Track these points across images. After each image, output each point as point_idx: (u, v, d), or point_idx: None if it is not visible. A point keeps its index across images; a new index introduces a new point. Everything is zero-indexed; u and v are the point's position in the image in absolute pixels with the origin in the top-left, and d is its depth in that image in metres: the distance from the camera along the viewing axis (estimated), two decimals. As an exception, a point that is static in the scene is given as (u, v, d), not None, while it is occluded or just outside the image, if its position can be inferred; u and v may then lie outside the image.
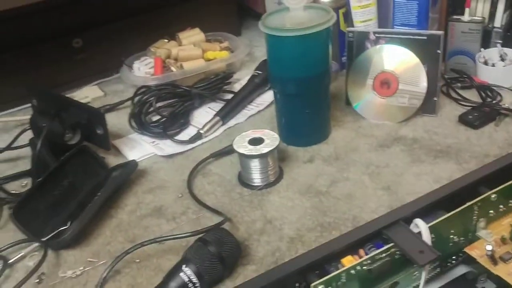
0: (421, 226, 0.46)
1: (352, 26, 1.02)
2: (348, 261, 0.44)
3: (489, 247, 0.46)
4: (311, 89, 0.84)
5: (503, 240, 0.47)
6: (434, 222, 0.46)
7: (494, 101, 0.93)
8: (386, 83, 0.90)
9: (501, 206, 0.49)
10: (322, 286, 0.44)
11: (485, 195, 0.47)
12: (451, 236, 0.47)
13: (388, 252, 0.44)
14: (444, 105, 0.94)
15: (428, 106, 0.91)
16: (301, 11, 0.82)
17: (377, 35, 0.90)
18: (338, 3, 1.03)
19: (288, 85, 0.84)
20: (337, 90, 1.00)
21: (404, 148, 0.84)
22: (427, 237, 0.45)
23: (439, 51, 0.87)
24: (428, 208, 0.50)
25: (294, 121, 0.88)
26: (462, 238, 0.48)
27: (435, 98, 0.90)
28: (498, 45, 1.01)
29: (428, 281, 0.48)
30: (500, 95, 0.95)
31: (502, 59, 1.00)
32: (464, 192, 0.49)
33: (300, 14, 0.82)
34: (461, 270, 0.49)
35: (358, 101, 0.93)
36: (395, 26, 0.91)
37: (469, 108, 0.91)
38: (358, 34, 0.92)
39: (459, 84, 1.00)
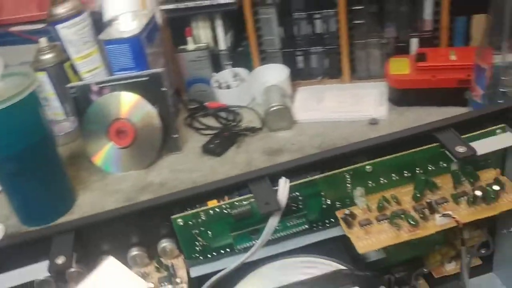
0: (280, 182, 0.47)
1: (80, 78, 0.96)
2: (212, 204, 0.48)
3: (347, 211, 0.48)
4: (33, 161, 0.75)
5: (369, 208, 0.49)
6: (297, 182, 0.48)
7: (234, 123, 0.95)
8: (122, 132, 0.86)
9: (382, 179, 0.49)
10: (181, 219, 0.47)
11: (358, 165, 0.48)
12: (323, 199, 0.49)
13: (248, 202, 0.47)
14: (190, 138, 0.94)
15: (171, 144, 0.89)
16: (-2, 81, 0.73)
17: (99, 85, 0.85)
18: (60, 57, 0.96)
19: (6, 164, 0.74)
20: (80, 148, 0.93)
21: (150, 195, 0.80)
22: (282, 193, 0.46)
23: (164, 89, 0.85)
24: (299, 169, 0.49)
25: (27, 200, 0.77)
26: (338, 203, 0.50)
27: (175, 135, 0.89)
28: (229, 66, 1.05)
29: (296, 235, 0.50)
30: (240, 115, 0.98)
31: (235, 79, 1.04)
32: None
33: (-4, 85, 0.73)
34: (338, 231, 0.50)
35: (99, 155, 0.87)
36: (115, 73, 0.87)
37: (211, 136, 0.92)
38: (80, 88, 0.86)
39: (202, 113, 1.00)
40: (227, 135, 0.90)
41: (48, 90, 0.97)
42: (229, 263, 0.47)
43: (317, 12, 0.97)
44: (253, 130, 0.91)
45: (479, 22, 0.92)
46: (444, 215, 0.45)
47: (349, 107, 0.95)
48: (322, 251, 0.48)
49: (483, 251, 0.53)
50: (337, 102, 0.97)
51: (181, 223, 0.47)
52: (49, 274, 0.44)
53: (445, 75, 0.87)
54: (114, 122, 0.86)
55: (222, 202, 0.48)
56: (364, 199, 0.48)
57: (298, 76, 1.04)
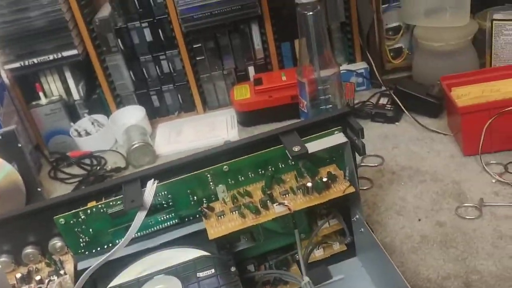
0: (148, 183, 0.54)
1: None
2: (91, 204, 0.55)
3: (205, 205, 0.56)
4: None
5: (225, 202, 0.57)
6: (164, 182, 0.55)
7: (99, 167, 0.99)
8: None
9: (240, 177, 0.57)
10: (62, 219, 0.54)
11: (216, 165, 0.56)
12: (190, 196, 0.57)
13: (121, 201, 0.54)
14: (56, 189, 0.95)
15: (36, 198, 0.89)
16: None
17: None
18: None
19: None
20: None
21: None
22: (148, 192, 0.53)
23: (19, 145, 0.86)
24: (169, 172, 0.57)
25: None
26: (205, 199, 0.57)
27: (39, 189, 0.89)
28: (86, 114, 1.08)
29: (170, 229, 0.58)
30: (104, 159, 1.01)
31: (95, 126, 1.07)
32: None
33: None
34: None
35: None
36: (-36, 137, 0.86)
37: (77, 183, 0.94)
38: None
39: (65, 163, 1.02)
40: (93, 179, 0.93)
41: None
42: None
43: (161, 54, 1.06)
44: (118, 170, 0.95)
45: (301, 44, 1.07)
46: (279, 204, 0.55)
47: (206, 134, 1.03)
48: (193, 242, 0.56)
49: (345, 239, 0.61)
50: (194, 132, 1.05)
51: (63, 222, 0.54)
52: None
53: (279, 94, 1.00)
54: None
55: (99, 203, 0.54)
56: (225, 195, 0.57)
57: (156, 114, 1.11)
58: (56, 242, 0.56)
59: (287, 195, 0.56)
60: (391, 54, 1.05)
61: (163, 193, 0.56)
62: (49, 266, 0.55)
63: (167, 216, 0.57)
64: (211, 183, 0.57)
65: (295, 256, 0.61)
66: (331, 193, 0.56)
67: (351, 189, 0.56)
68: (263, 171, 0.58)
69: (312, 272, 0.59)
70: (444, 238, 0.66)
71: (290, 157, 0.56)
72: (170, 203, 0.56)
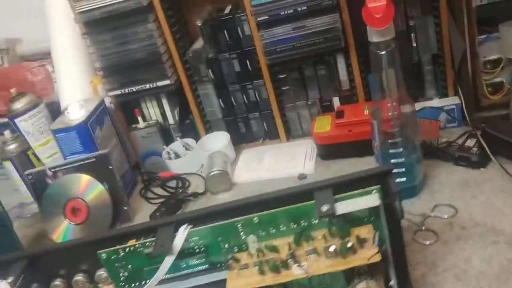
0: (180, 228, 0.57)
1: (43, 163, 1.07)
2: (130, 243, 0.59)
3: (230, 256, 0.58)
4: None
5: (251, 255, 0.58)
6: (196, 228, 0.58)
7: (181, 190, 1.05)
8: (76, 210, 0.96)
9: (272, 229, 0.58)
10: (104, 254, 0.59)
11: (247, 216, 0.57)
12: (221, 243, 0.59)
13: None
14: (142, 208, 1.03)
15: (122, 216, 0.99)
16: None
17: (52, 170, 0.96)
18: (22, 146, 1.08)
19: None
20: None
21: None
22: (179, 237, 0.56)
23: (110, 167, 0.96)
24: (203, 218, 0.59)
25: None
26: (235, 247, 0.59)
27: (125, 207, 0.98)
28: (178, 138, 1.16)
29: (200, 273, 0.60)
30: (189, 181, 1.08)
31: (186, 149, 1.15)
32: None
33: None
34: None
35: (57, 233, 0.97)
36: (66, 157, 0.98)
37: (159, 204, 1.01)
38: (36, 174, 0.97)
39: (155, 183, 1.10)
40: (173, 202, 1.00)
41: (15, 177, 1.09)
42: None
43: (248, 83, 1.09)
44: (195, 195, 1.01)
45: (390, 76, 1.02)
46: (299, 266, 0.54)
47: (284, 164, 1.04)
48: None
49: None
50: (274, 161, 1.07)
51: (105, 257, 0.60)
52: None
53: (359, 128, 0.96)
54: (69, 202, 0.96)
55: (137, 242, 0.59)
56: (255, 246, 0.58)
57: (242, 140, 1.15)
58: (102, 273, 0.62)
59: (311, 256, 0.55)
60: (489, 89, 0.95)
61: (195, 238, 0.59)
62: (95, 294, 0.61)
63: (198, 261, 0.59)
64: (241, 233, 0.58)
65: None
66: (356, 259, 0.54)
67: (377, 258, 0.53)
68: (295, 225, 0.57)
69: None
70: (504, 316, 0.59)
71: (317, 216, 0.55)
72: (202, 249, 0.59)
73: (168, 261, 0.56)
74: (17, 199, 1.13)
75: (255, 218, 0.57)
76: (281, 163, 1.05)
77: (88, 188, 0.96)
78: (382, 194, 0.55)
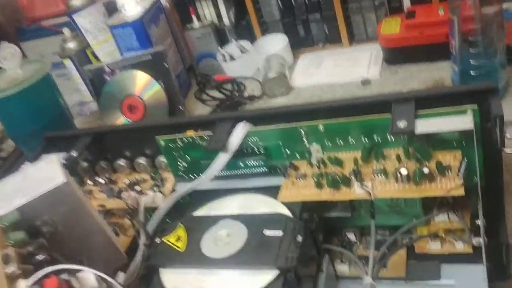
0: (238, 126, 0.54)
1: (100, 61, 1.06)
2: (189, 133, 0.57)
3: (287, 163, 0.54)
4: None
5: (311, 165, 0.53)
6: (257, 128, 0.54)
7: (237, 93, 1.02)
8: (134, 107, 0.95)
9: (339, 140, 0.52)
10: (162, 141, 0.58)
11: (311, 122, 0.52)
12: (282, 148, 0.55)
13: None
14: (197, 109, 1.02)
15: (178, 116, 0.97)
16: (18, 69, 0.84)
17: (110, 67, 0.95)
18: (82, 44, 1.06)
19: (31, 140, 0.85)
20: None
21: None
22: (236, 135, 0.53)
23: (166, 65, 0.93)
24: (264, 118, 0.55)
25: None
26: (297, 154, 0.55)
27: (181, 108, 0.97)
28: (233, 40, 1.11)
29: (257, 175, 0.57)
30: (244, 85, 1.04)
31: (242, 52, 1.10)
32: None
33: (16, 72, 0.84)
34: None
35: (115, 131, 0.97)
36: (123, 53, 0.96)
37: (214, 106, 0.99)
38: (95, 70, 0.96)
39: (210, 85, 1.08)
40: (228, 104, 0.98)
41: (74, 75, 1.09)
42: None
43: (310, -20, 1.01)
44: (252, 98, 0.98)
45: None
46: (362, 186, 0.48)
47: (345, 70, 0.98)
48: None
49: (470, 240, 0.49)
50: (334, 66, 1.01)
51: (163, 144, 0.58)
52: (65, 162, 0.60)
53: (432, 30, 0.88)
54: (126, 99, 0.95)
55: (195, 134, 0.57)
56: (318, 156, 0.53)
57: (301, 44, 1.09)
58: (163, 160, 0.61)
59: (377, 176, 0.49)
60: None
61: (254, 138, 0.55)
62: (153, 179, 0.61)
63: (257, 162, 0.56)
64: (305, 140, 0.53)
65: (406, 240, 0.54)
66: (431, 188, 0.46)
67: (459, 191, 0.45)
68: (366, 139, 0.51)
69: (417, 265, 0.52)
70: None
71: (391, 133, 0.48)
72: (262, 151, 0.56)
73: (223, 158, 0.54)
74: (78, 98, 1.14)
75: (320, 126, 0.52)
76: (342, 68, 0.99)
77: (146, 87, 0.94)
78: (479, 117, 0.46)
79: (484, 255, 0.46)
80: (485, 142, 0.47)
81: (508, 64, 0.78)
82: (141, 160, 0.62)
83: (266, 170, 0.56)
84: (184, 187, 0.57)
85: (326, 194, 0.50)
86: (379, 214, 0.53)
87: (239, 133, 0.54)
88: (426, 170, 0.46)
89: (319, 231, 0.52)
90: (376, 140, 0.51)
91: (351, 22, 1.04)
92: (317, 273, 0.50)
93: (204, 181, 0.55)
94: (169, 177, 0.61)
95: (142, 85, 0.95)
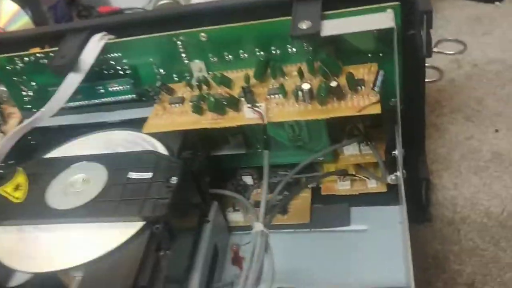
0: (92, 38, 0.40)
1: None
2: (32, 51, 0.42)
3: (158, 84, 0.40)
4: None
5: (191, 86, 0.39)
6: (117, 39, 0.40)
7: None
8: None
9: (228, 55, 0.39)
10: None
11: (190, 30, 0.39)
12: (155, 67, 0.41)
13: None
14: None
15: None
16: None
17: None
18: None
19: None
20: None
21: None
22: (89, 50, 0.39)
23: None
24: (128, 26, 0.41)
25: None
26: (175, 76, 0.41)
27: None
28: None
29: (125, 105, 0.43)
30: (135, 18, 0.88)
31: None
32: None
33: None
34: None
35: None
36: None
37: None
38: None
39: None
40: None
41: None
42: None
43: None
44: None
45: None
46: (252, 107, 0.35)
47: None
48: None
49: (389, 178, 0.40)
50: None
51: None
52: None
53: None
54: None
55: (40, 50, 0.41)
56: (200, 75, 0.40)
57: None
58: (3, 89, 0.45)
59: (274, 97, 0.36)
60: None
61: (116, 55, 0.40)
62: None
63: (122, 87, 0.42)
64: (183, 55, 0.39)
65: (310, 181, 0.44)
66: (341, 107, 0.35)
67: (374, 109, 0.34)
68: (262, 53, 0.38)
69: (324, 209, 0.43)
70: (530, 161, 0.46)
71: (291, 37, 0.35)
72: (128, 72, 0.41)
73: (71, 79, 0.39)
74: None
75: (202, 34, 0.38)
76: None
77: (13, 19, 0.76)
78: (400, 17, 0.35)
79: (402, 193, 0.36)
80: (408, 50, 0.36)
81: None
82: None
83: (135, 97, 0.42)
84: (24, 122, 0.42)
85: (208, 121, 0.37)
86: (279, 151, 0.42)
87: (94, 46, 0.39)
88: (333, 84, 0.35)
89: (205, 174, 0.40)
90: (274, 53, 0.38)
91: None
92: (201, 224, 0.38)
93: (48, 112, 0.40)
94: (13, 112, 0.46)
95: (8, 16, 0.76)
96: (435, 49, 0.62)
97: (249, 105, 0.35)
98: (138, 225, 0.32)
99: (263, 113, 0.35)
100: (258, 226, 0.34)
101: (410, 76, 0.38)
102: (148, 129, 0.37)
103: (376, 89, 0.35)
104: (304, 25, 0.34)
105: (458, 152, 0.48)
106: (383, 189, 0.43)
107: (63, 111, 0.41)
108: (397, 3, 0.35)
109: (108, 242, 0.32)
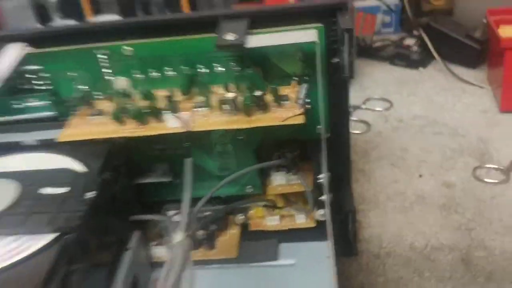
0: (9, 46, 0.37)
1: None
2: None
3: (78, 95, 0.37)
4: None
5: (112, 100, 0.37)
6: (37, 51, 0.37)
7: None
8: None
9: (153, 71, 0.37)
10: None
11: (113, 43, 0.36)
12: (74, 84, 0.38)
13: None
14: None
15: None
16: None
17: None
18: None
19: None
20: None
21: None
22: (7, 58, 0.37)
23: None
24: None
25: None
26: (96, 93, 0.38)
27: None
28: (58, 18, 0.93)
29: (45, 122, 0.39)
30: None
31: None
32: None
33: None
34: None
35: None
36: None
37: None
38: None
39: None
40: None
41: None
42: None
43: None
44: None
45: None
46: (176, 117, 0.34)
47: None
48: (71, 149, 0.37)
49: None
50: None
51: None
52: None
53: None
54: None
55: None
56: (124, 92, 0.37)
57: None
58: None
59: (201, 109, 0.35)
60: (432, -7, 0.84)
61: (35, 67, 0.38)
62: None
63: (40, 102, 0.38)
64: (105, 70, 0.38)
65: (238, 215, 0.41)
66: (265, 117, 0.34)
67: (298, 119, 0.33)
68: (189, 70, 0.37)
69: (253, 244, 0.40)
70: (449, 202, 0.46)
71: (216, 48, 0.35)
72: (45, 86, 0.38)
73: None
74: None
75: (127, 48, 0.36)
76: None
77: None
78: (324, 37, 0.35)
79: (329, 228, 0.34)
80: (331, 71, 0.36)
81: (358, 56, 0.73)
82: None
83: (55, 114, 0.38)
84: None
85: (128, 130, 0.34)
86: (209, 181, 0.39)
87: (13, 55, 0.36)
88: (258, 93, 0.34)
89: (127, 200, 0.36)
90: (202, 71, 0.37)
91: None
92: (120, 252, 0.34)
93: None
94: None
95: None
96: (363, 106, 0.63)
97: (172, 114, 0.33)
98: (50, 236, 0.28)
99: (187, 120, 0.33)
100: (179, 236, 0.30)
101: (334, 99, 0.37)
102: (64, 138, 0.34)
103: (300, 101, 0.34)
104: (230, 36, 0.34)
105: (384, 194, 0.48)
106: (312, 224, 0.40)
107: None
108: (320, 24, 0.35)
109: (16, 253, 0.28)
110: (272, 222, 0.41)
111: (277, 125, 0.34)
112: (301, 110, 0.34)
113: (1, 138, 0.38)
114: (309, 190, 0.38)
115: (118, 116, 0.34)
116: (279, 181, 0.39)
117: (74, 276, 0.28)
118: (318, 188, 0.38)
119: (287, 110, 0.34)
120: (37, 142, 0.38)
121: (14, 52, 0.37)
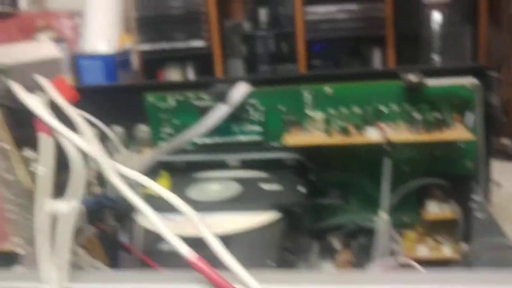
0: (239, 83, 0.47)
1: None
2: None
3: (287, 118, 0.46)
4: None
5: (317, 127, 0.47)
6: (256, 89, 0.47)
7: None
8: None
9: (344, 108, 0.47)
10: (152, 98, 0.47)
11: (318, 84, 0.46)
12: (280, 111, 0.48)
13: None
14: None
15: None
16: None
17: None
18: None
19: None
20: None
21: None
22: (237, 91, 0.47)
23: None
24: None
25: None
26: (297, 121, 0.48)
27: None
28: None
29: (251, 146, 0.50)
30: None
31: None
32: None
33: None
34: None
35: None
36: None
37: None
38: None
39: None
40: None
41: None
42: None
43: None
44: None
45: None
46: (376, 131, 0.44)
47: None
48: (276, 171, 0.46)
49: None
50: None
51: (151, 102, 0.46)
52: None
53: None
54: None
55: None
56: (322, 126, 0.48)
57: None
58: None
59: (389, 123, 0.45)
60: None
61: (253, 101, 0.51)
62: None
63: (252, 128, 0.50)
64: (306, 104, 0.50)
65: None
66: (443, 134, 0.44)
67: (470, 136, 0.43)
68: (372, 110, 0.47)
69: None
70: None
71: (404, 85, 0.45)
72: (259, 117, 0.51)
73: (222, 109, 0.47)
74: None
75: (328, 89, 0.47)
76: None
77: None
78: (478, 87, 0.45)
79: None
80: (484, 111, 0.45)
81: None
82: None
83: (260, 138, 0.50)
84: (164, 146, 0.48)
85: (337, 139, 0.45)
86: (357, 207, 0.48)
87: (239, 89, 0.48)
88: (438, 115, 0.45)
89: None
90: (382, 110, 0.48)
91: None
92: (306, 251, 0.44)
93: (194, 135, 0.46)
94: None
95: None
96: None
97: (372, 129, 0.44)
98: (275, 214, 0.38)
99: (386, 133, 0.44)
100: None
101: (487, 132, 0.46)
102: (289, 141, 0.45)
103: (465, 124, 0.44)
104: (413, 77, 0.44)
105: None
106: (456, 256, 0.43)
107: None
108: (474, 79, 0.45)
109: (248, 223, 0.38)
110: (422, 252, 0.45)
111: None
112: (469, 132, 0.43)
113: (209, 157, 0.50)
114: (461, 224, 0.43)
115: (328, 131, 0.45)
116: (433, 208, 0.45)
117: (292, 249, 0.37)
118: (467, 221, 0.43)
119: (454, 131, 0.44)
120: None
121: (242, 89, 0.49)
